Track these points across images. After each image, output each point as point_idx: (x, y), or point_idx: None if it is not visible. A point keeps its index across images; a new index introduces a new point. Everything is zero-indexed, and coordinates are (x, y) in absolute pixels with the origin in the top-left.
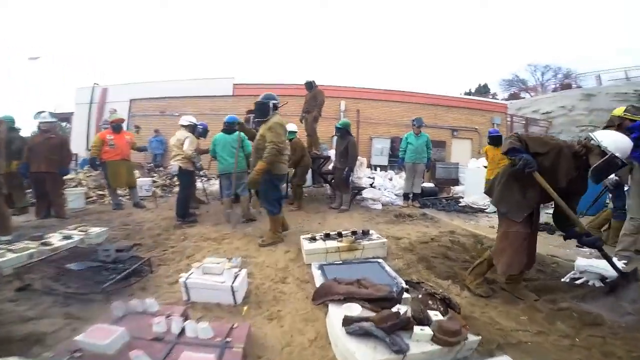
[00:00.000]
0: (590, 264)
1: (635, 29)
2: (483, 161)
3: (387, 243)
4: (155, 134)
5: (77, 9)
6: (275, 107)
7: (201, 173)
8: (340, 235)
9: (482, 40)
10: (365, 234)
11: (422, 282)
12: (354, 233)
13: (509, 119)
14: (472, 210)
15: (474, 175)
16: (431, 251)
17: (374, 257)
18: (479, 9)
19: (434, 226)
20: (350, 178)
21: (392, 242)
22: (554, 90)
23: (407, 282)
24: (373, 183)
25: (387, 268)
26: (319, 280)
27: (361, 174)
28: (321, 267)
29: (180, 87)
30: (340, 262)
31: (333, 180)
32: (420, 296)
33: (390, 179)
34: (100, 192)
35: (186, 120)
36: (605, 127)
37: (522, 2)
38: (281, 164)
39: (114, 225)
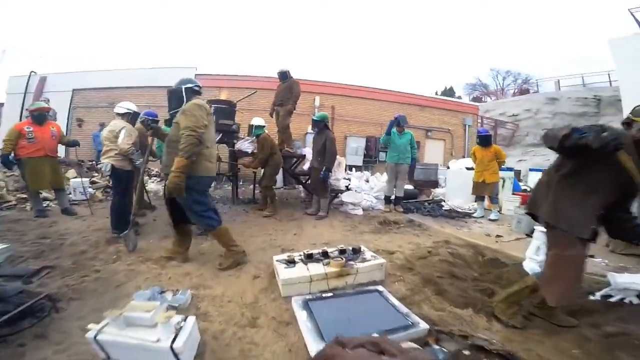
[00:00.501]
0: (632, 281)
1: (589, 39)
2: (465, 162)
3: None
4: (100, 127)
5: None
6: (196, 92)
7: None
8: (325, 255)
9: (448, 43)
10: (357, 252)
11: (462, 333)
12: (342, 252)
13: (479, 120)
14: (459, 215)
15: (455, 177)
16: (433, 269)
17: (369, 283)
18: (449, 15)
19: (425, 235)
20: (328, 180)
21: (381, 255)
22: (514, 94)
23: (438, 331)
24: (349, 185)
25: (392, 299)
26: (306, 328)
27: (340, 175)
28: (306, 305)
29: (133, 77)
30: (330, 293)
31: (309, 182)
32: (466, 353)
33: (367, 181)
34: (22, 196)
35: (123, 107)
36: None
37: (490, 10)
38: (206, 164)
39: (28, 239)
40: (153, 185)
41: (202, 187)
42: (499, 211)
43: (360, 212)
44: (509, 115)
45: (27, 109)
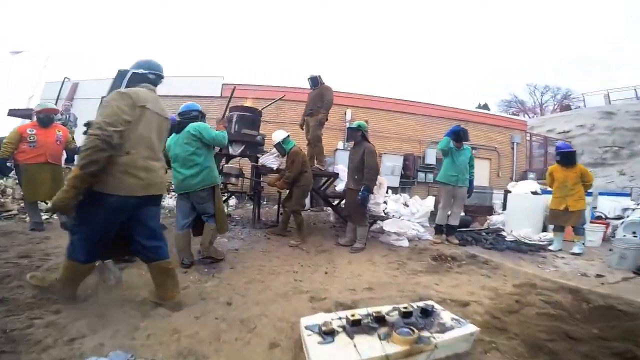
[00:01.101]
0: None
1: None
2: (527, 185)
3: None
4: None
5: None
6: (145, 80)
7: None
8: (380, 320)
9: (480, 58)
10: (428, 313)
11: None
12: (406, 315)
13: (527, 137)
14: (532, 249)
15: (518, 202)
16: (535, 327)
17: (449, 358)
18: (477, 30)
19: (498, 276)
20: (368, 203)
21: (452, 308)
22: (554, 110)
23: None
24: (386, 209)
25: None
26: None
27: (380, 199)
28: None
29: (161, 85)
30: None
31: (342, 206)
32: None
33: (406, 205)
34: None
35: None
36: None
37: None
38: (122, 177)
39: (7, 256)
40: (170, 201)
41: (104, 209)
42: (583, 243)
43: (405, 243)
44: (558, 132)
45: (33, 110)
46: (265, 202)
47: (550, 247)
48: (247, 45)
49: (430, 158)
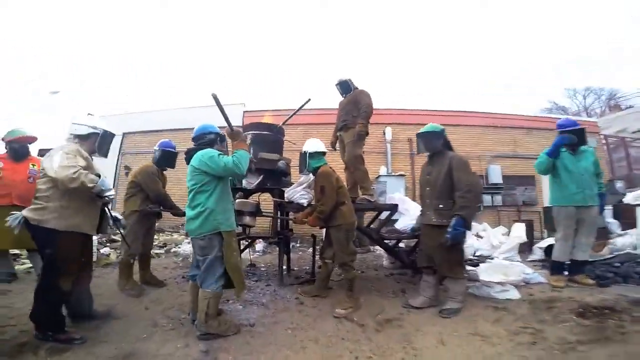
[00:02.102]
0: None
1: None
2: None
3: None
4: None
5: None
6: None
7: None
8: None
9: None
10: None
11: None
12: None
13: (603, 140)
14: None
15: None
16: None
17: None
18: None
19: None
20: (464, 242)
21: None
22: (601, 114)
23: None
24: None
25: None
26: None
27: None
28: None
29: (180, 118)
30: None
31: (417, 254)
32: None
33: (479, 236)
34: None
35: (84, 124)
36: None
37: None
38: None
39: None
40: (186, 247)
41: None
42: None
43: (515, 294)
44: (632, 132)
45: (2, 139)
46: (297, 245)
47: None
48: (264, 69)
49: (496, 176)
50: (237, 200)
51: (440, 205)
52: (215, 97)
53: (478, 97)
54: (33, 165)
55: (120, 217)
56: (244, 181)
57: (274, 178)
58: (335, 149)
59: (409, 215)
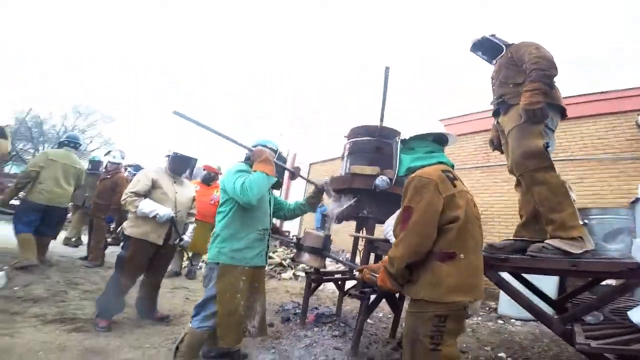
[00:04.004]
0: None
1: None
2: None
3: None
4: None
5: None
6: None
7: None
8: None
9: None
10: None
11: None
12: None
13: None
14: None
15: None
16: None
17: None
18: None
19: None
20: None
21: None
22: None
23: None
24: None
25: None
26: None
27: None
28: None
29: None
30: None
31: None
32: None
33: None
34: None
35: None
36: None
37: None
38: None
39: None
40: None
41: None
42: None
43: None
44: None
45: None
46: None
47: None
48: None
49: None
50: (305, 230)
51: None
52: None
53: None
54: (217, 192)
55: (186, 237)
56: (329, 206)
57: (373, 202)
58: (492, 148)
59: None
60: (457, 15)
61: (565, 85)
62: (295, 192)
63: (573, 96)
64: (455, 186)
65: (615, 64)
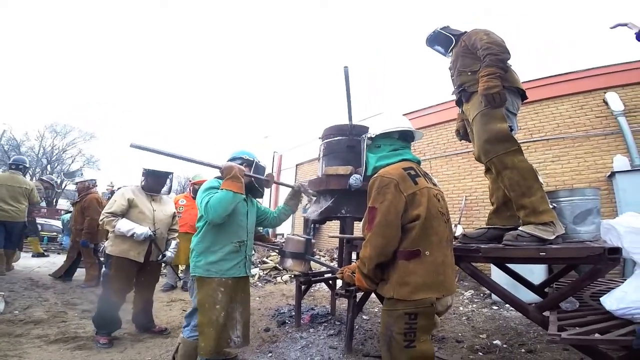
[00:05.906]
0: None
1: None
2: None
3: None
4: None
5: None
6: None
7: None
8: None
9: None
10: None
11: None
12: None
13: None
14: None
15: None
16: None
17: None
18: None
19: None
20: None
21: None
22: None
23: None
24: None
25: None
26: None
27: None
28: None
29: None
30: None
31: None
32: None
33: None
34: None
35: None
36: None
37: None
38: None
39: None
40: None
41: None
42: None
43: None
44: None
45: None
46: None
47: None
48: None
49: None
50: (285, 236)
51: None
52: None
53: None
54: None
55: (168, 253)
56: (308, 208)
57: (350, 201)
58: (459, 137)
59: None
60: (461, 19)
61: (534, 68)
62: (284, 195)
63: (542, 78)
64: (417, 183)
65: (581, 44)
